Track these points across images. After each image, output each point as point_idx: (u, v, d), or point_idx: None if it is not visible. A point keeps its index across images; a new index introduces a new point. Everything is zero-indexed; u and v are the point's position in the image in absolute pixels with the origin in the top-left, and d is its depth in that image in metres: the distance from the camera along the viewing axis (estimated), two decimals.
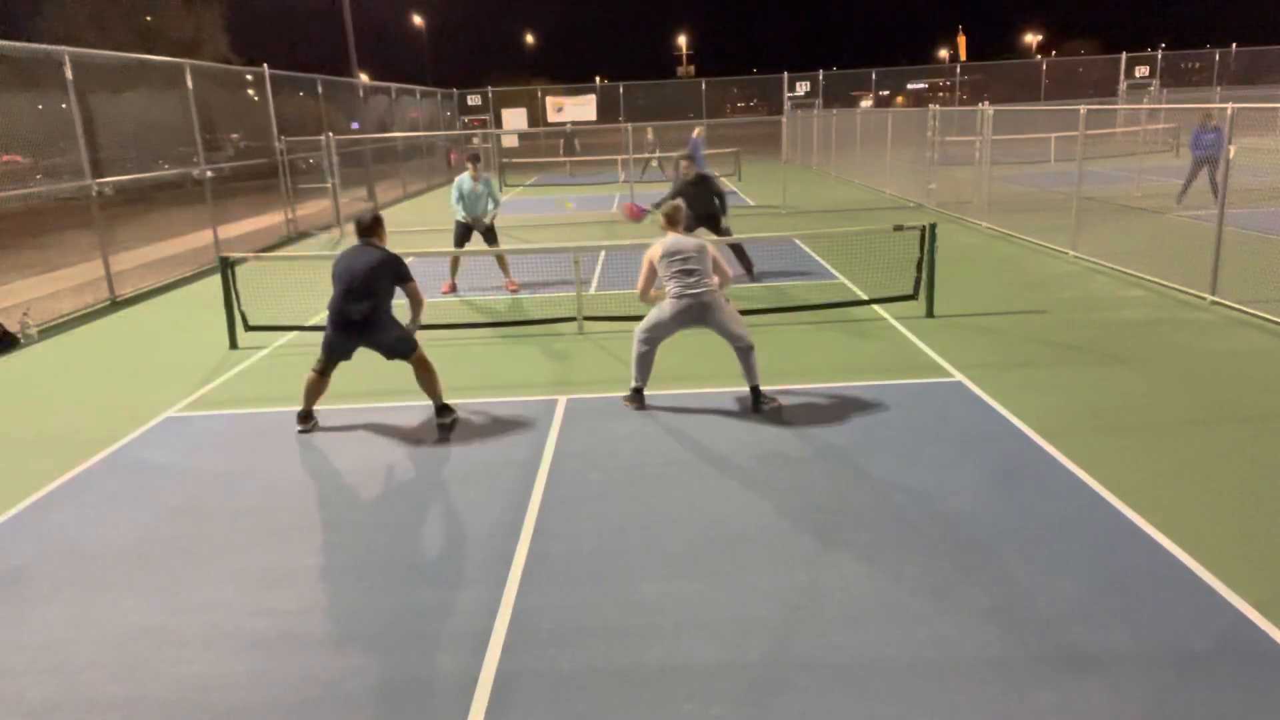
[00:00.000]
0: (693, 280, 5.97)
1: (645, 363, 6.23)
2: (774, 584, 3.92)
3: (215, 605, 3.94)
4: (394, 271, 5.82)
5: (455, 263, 10.78)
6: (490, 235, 10.70)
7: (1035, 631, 3.49)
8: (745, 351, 6.07)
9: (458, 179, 10.59)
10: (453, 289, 10.63)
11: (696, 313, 5.98)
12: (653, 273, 6.13)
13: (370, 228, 5.94)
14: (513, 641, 3.58)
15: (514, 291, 10.51)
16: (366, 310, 5.73)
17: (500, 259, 10.65)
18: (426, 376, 5.99)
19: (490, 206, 10.59)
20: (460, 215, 10.54)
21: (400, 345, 5.91)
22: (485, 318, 9.23)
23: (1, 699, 3.35)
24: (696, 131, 17.91)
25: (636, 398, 6.30)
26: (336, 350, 5.90)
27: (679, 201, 6.45)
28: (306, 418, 6.08)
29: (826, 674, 3.29)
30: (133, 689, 3.38)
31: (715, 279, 6.10)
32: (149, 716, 3.23)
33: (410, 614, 3.81)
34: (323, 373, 5.97)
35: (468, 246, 10.66)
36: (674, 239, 6.12)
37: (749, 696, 3.18)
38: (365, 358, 6.05)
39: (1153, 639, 3.40)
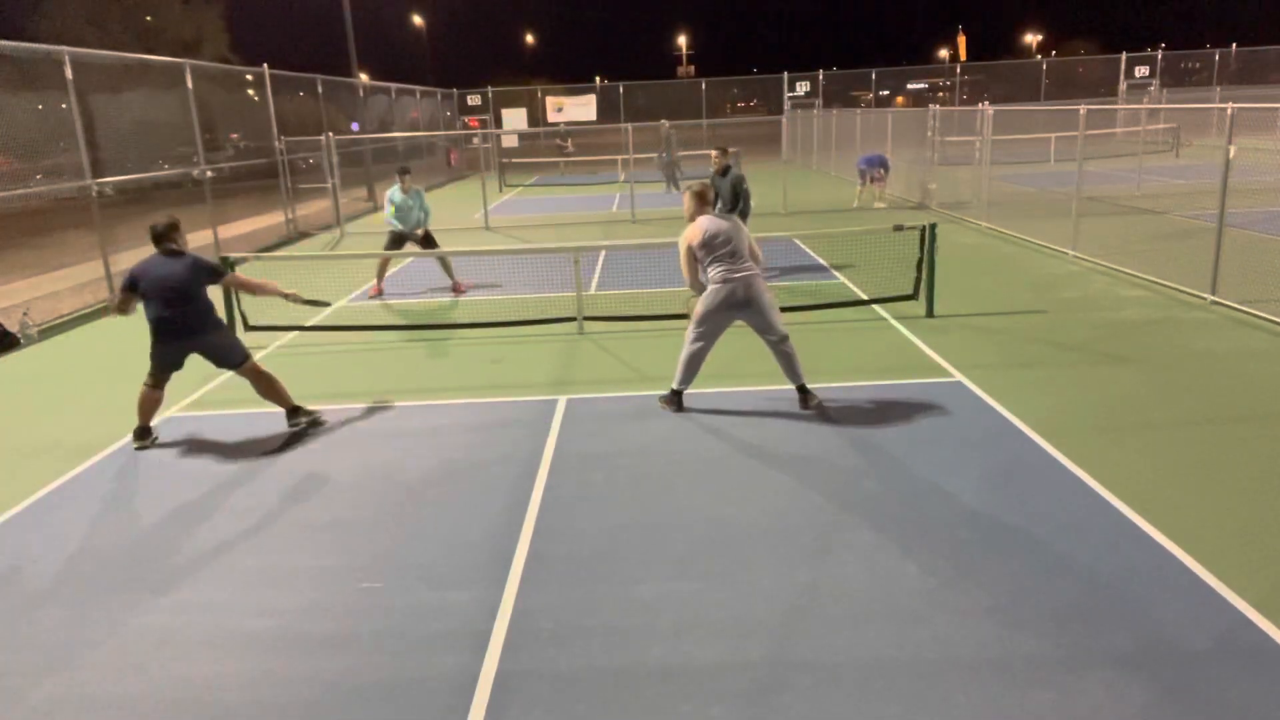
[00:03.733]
0: (736, 263, 5.78)
1: (695, 363, 6.02)
2: (774, 584, 3.92)
3: (215, 605, 3.94)
4: (204, 272, 5.80)
5: (383, 266, 10.80)
6: (428, 242, 10.68)
7: (1035, 631, 3.49)
8: (780, 342, 5.91)
9: (389, 192, 10.68)
10: (380, 293, 10.63)
11: (743, 295, 5.76)
12: (693, 258, 5.89)
13: (165, 234, 5.85)
14: (513, 641, 3.58)
15: (461, 293, 10.55)
16: (181, 316, 5.73)
17: (444, 262, 10.69)
18: (265, 386, 6.01)
19: (421, 217, 10.66)
20: (395, 226, 10.62)
21: (227, 353, 5.93)
22: (485, 318, 9.22)
23: (1, 699, 3.35)
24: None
25: (675, 400, 6.12)
26: (166, 359, 5.88)
27: (708, 181, 6.21)
28: (145, 434, 5.98)
29: (826, 674, 3.29)
30: (133, 689, 3.38)
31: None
32: (149, 716, 3.23)
33: (410, 614, 3.81)
34: (155, 385, 5.93)
35: (400, 253, 10.78)
36: (709, 221, 5.87)
37: (749, 696, 3.18)
38: (364, 358, 6.04)
39: (1153, 639, 3.40)
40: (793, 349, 5.96)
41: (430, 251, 10.36)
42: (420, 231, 10.60)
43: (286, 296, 6.14)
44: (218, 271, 5.88)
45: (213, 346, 5.88)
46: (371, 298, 10.52)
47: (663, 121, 22.27)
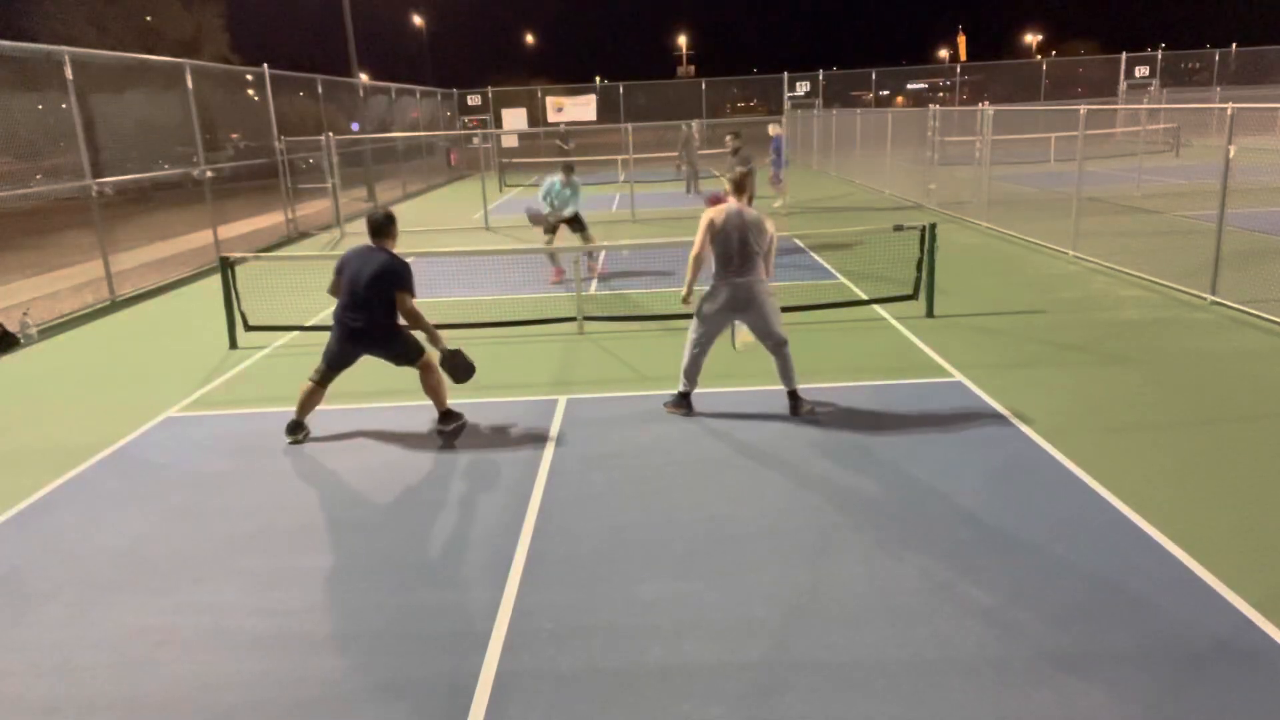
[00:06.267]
0: (743, 264, 5.62)
1: (696, 364, 5.95)
2: (774, 584, 3.92)
3: (215, 605, 3.94)
4: (395, 279, 5.59)
5: (553, 254, 11.32)
6: (577, 223, 11.06)
7: (1035, 631, 3.49)
8: (779, 346, 5.83)
9: (549, 180, 10.99)
10: (561, 274, 11.07)
11: (744, 299, 5.65)
12: (709, 237, 5.67)
13: (381, 228, 5.75)
14: (513, 641, 3.58)
15: (598, 276, 11.12)
16: (366, 320, 5.62)
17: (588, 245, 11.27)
18: (430, 381, 5.84)
19: (574, 206, 10.99)
20: (545, 209, 11.02)
21: (403, 356, 5.81)
22: (485, 318, 9.22)
23: (1, 699, 3.35)
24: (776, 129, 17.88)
25: (683, 403, 6.03)
26: (337, 359, 5.79)
27: (749, 169, 5.95)
28: (297, 428, 5.92)
29: (826, 674, 3.29)
30: (133, 689, 3.38)
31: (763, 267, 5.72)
32: (149, 716, 3.23)
33: (410, 614, 3.81)
34: (320, 383, 5.86)
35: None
36: (737, 209, 5.66)
37: (749, 696, 3.18)
38: (365, 359, 6.03)
39: (1153, 639, 3.40)
40: (789, 355, 5.89)
41: (574, 247, 10.63)
42: (568, 213, 10.95)
43: (434, 342, 5.80)
44: (402, 286, 5.59)
45: (390, 352, 5.78)
46: (553, 283, 10.98)
47: (686, 122, 22.11)
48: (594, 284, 10.86)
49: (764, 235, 5.67)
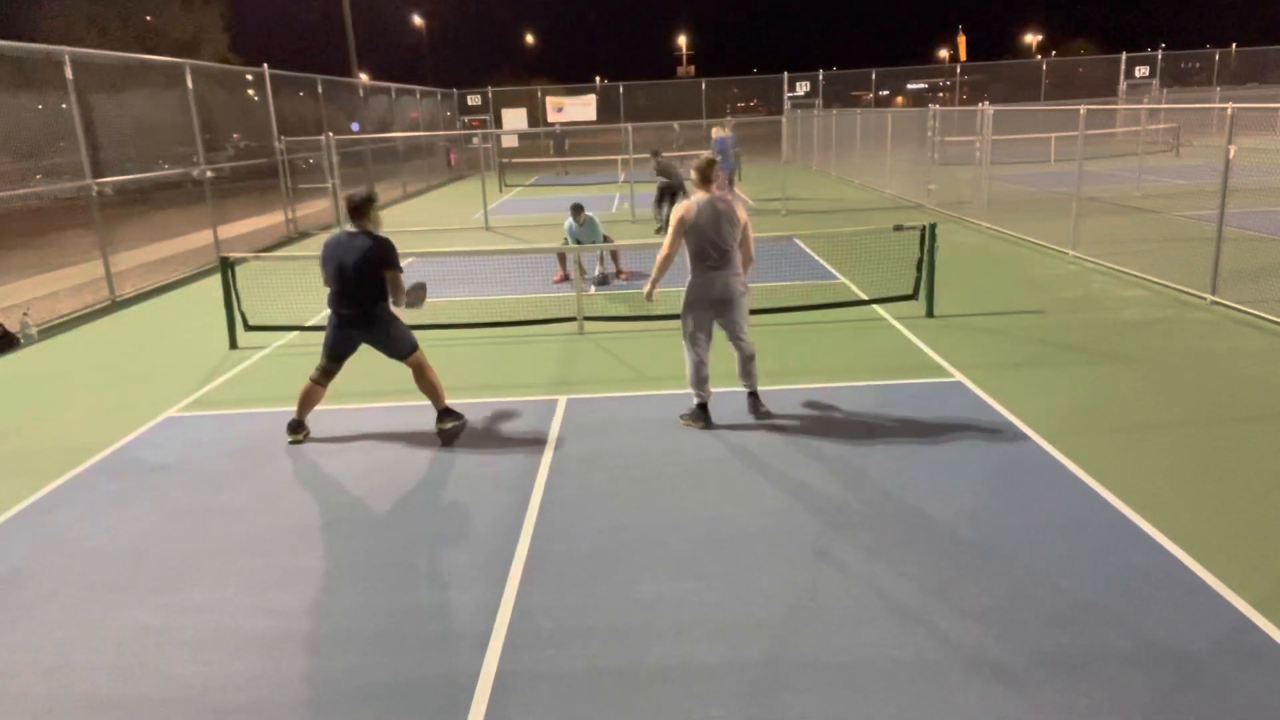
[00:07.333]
0: (720, 258, 5.49)
1: (700, 373, 5.77)
2: (774, 584, 3.92)
3: (215, 605, 3.94)
4: (381, 259, 5.60)
5: (563, 257, 11.42)
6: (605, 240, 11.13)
7: (1035, 631, 3.49)
8: (749, 359, 5.83)
9: (567, 223, 10.95)
10: (564, 278, 11.06)
11: (721, 295, 5.54)
12: (680, 234, 5.53)
13: (360, 208, 5.67)
14: (513, 641, 3.58)
15: (624, 278, 11.15)
16: (359, 305, 5.64)
17: (613, 252, 11.36)
18: (426, 381, 5.87)
19: (596, 238, 10.95)
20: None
21: (397, 345, 5.80)
22: (485, 318, 9.22)
23: (1, 699, 3.35)
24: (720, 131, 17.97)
25: (701, 415, 5.83)
26: (337, 348, 5.79)
27: (712, 155, 5.82)
28: (298, 428, 5.92)
29: (826, 674, 3.29)
30: (133, 689, 3.38)
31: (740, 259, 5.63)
32: (149, 716, 3.23)
33: (410, 614, 3.81)
34: (320, 382, 5.86)
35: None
36: (707, 199, 5.49)
37: (749, 696, 3.18)
38: (365, 358, 6.03)
39: (1153, 639, 3.40)
40: (753, 360, 5.89)
41: (599, 246, 10.80)
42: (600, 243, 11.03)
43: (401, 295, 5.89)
44: (390, 264, 5.61)
45: (384, 339, 5.76)
46: (556, 283, 11.07)
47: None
48: (593, 285, 10.86)
49: (737, 226, 5.53)
